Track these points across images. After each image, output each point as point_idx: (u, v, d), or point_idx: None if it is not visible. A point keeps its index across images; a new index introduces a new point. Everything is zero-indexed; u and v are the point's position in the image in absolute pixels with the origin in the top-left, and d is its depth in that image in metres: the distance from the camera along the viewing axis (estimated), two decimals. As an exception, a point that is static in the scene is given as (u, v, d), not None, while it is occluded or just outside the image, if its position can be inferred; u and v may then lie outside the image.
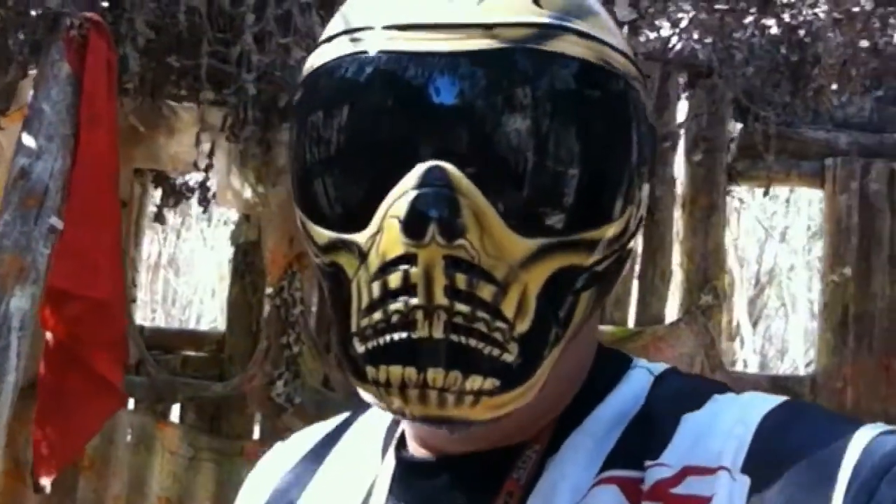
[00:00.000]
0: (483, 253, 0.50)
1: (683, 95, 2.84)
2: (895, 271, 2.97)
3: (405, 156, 0.51)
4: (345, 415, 0.71)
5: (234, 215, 3.75)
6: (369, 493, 0.61)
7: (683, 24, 2.24)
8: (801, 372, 7.33)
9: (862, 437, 0.49)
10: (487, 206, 0.50)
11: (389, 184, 0.51)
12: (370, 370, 0.52)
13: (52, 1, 2.02)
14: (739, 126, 2.86)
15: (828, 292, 3.04)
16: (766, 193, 3.04)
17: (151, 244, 7.27)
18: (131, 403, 3.19)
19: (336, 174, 0.55)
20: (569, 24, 0.53)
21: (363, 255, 0.52)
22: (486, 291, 0.50)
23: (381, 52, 0.53)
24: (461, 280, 0.50)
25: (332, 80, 0.55)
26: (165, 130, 2.94)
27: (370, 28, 0.54)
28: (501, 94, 0.52)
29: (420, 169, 0.50)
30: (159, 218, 3.36)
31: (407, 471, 0.60)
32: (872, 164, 2.95)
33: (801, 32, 2.31)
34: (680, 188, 3.02)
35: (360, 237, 0.52)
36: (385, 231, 0.51)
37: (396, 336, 0.51)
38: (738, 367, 6.70)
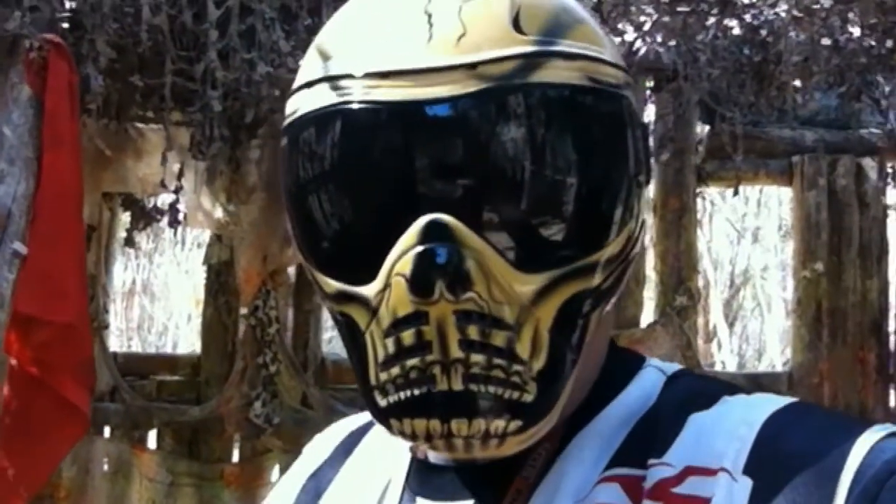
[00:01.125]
0: (492, 301, 0.51)
1: (650, 100, 2.86)
2: (866, 265, 3.01)
3: (404, 208, 0.51)
4: None
5: (207, 238, 3.72)
6: (387, 487, 0.62)
7: (646, 27, 2.26)
8: (779, 369, 7.39)
9: (864, 443, 0.49)
10: (492, 253, 0.51)
11: (392, 236, 0.51)
12: (394, 423, 0.53)
13: (11, 23, 1.99)
14: (706, 128, 2.89)
15: (800, 289, 3.06)
16: (735, 193, 3.06)
17: (125, 271, 7.20)
18: (107, 431, 3.14)
19: (337, 228, 0.55)
20: (553, 48, 0.52)
21: (373, 310, 0.53)
22: (499, 338, 0.51)
23: (365, 102, 0.52)
24: (474, 331, 0.51)
25: (320, 133, 0.54)
26: (133, 153, 2.91)
27: (351, 76, 0.53)
28: (493, 136, 0.51)
29: (420, 223, 0.50)
30: (129, 242, 3.32)
31: (421, 469, 0.61)
32: (839, 160, 2.99)
33: (763, 32, 2.34)
34: (650, 191, 3.04)
35: (368, 291, 0.53)
36: (393, 288, 0.51)
37: (416, 391, 0.52)
38: (718, 368, 6.75)
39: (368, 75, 0.52)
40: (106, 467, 3.05)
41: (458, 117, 0.51)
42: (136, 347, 7.69)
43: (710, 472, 0.51)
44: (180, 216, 3.06)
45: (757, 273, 7.88)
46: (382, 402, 0.53)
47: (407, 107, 0.51)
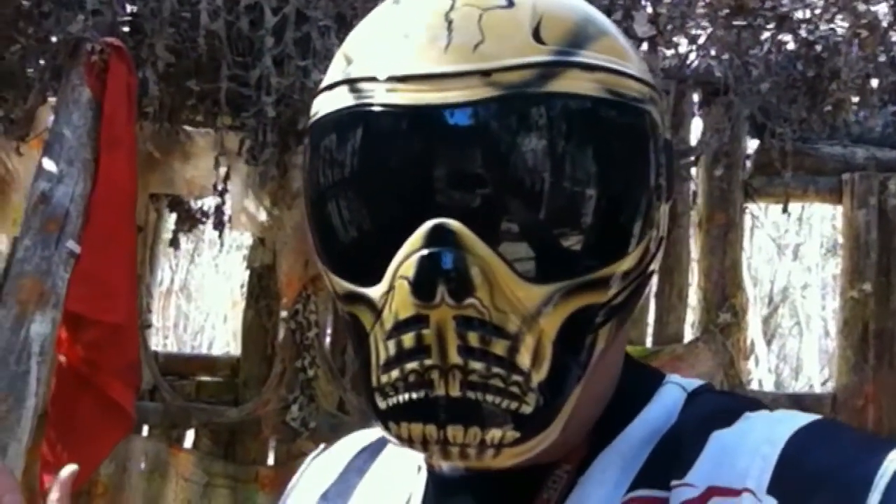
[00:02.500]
0: (493, 308, 0.50)
1: (698, 113, 2.84)
2: (915, 287, 2.95)
3: (412, 211, 0.51)
4: None
5: (246, 241, 3.75)
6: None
7: (701, 40, 2.24)
8: (818, 389, 7.28)
9: (892, 462, 0.48)
10: (496, 261, 0.50)
11: (399, 239, 0.51)
12: (393, 426, 0.53)
13: (74, 26, 2.03)
14: (756, 142, 2.85)
15: (847, 309, 3.01)
16: (784, 210, 3.02)
17: (164, 270, 7.28)
18: (145, 430, 3.17)
19: (347, 229, 0.55)
20: (572, 59, 0.52)
21: (377, 312, 0.53)
22: (499, 347, 0.50)
23: (382, 105, 0.52)
24: (473, 338, 0.50)
25: (336, 134, 0.54)
26: (181, 155, 2.95)
27: (371, 79, 0.53)
28: (504, 144, 0.51)
29: (426, 227, 0.50)
30: (175, 243, 3.36)
31: (438, 487, 0.60)
32: (890, 179, 2.94)
33: (818, 48, 2.31)
34: (696, 206, 3.01)
35: (374, 293, 0.53)
36: (396, 291, 0.51)
37: (414, 395, 0.51)
38: (754, 386, 6.66)
39: (386, 79, 0.52)
40: (143, 465, 3.07)
41: (468, 123, 0.51)
42: (172, 346, 7.78)
43: (733, 493, 0.50)
44: (225, 219, 3.09)
45: (797, 290, 7.76)
46: (382, 405, 0.53)
47: (419, 111, 0.51)
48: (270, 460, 3.20)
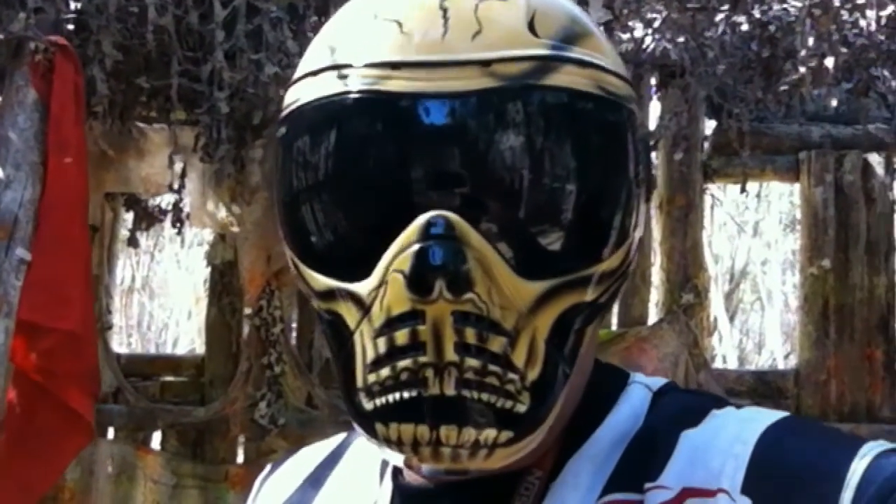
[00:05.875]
0: (491, 304, 0.49)
1: (656, 96, 2.84)
2: (873, 262, 3.00)
3: (406, 204, 0.49)
4: (341, 436, 0.70)
5: (207, 236, 3.70)
6: None
7: (656, 24, 2.24)
8: (780, 364, 7.41)
9: (863, 460, 0.49)
10: (494, 256, 0.49)
11: (390, 232, 0.49)
12: (380, 427, 0.51)
13: (15, 25, 1.96)
14: (713, 124, 2.87)
15: (807, 285, 3.05)
16: (742, 190, 3.05)
17: (125, 268, 7.17)
18: (111, 432, 3.13)
19: (332, 221, 0.53)
20: (567, 54, 0.52)
21: (365, 308, 0.51)
22: (496, 344, 0.49)
23: (375, 92, 0.51)
24: (471, 335, 0.49)
25: (324, 121, 0.52)
26: (135, 153, 2.89)
27: (362, 65, 0.51)
28: (504, 135, 0.50)
29: (423, 219, 0.48)
30: (133, 242, 3.30)
31: (406, 498, 0.59)
32: (846, 156, 2.98)
33: (772, 28, 2.32)
34: (656, 189, 3.03)
35: (361, 288, 0.51)
36: (389, 285, 0.49)
37: (406, 394, 0.49)
38: (718, 363, 6.76)
39: (378, 65, 0.51)
40: (110, 469, 3.03)
41: (467, 113, 0.50)
42: (136, 345, 7.68)
43: (708, 494, 0.51)
44: (184, 216, 3.04)
45: (757, 266, 7.88)
46: (368, 405, 0.51)
47: (417, 99, 0.50)
48: (240, 459, 3.18)
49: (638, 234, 0.56)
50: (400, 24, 0.51)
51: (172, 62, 2.11)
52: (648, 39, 2.25)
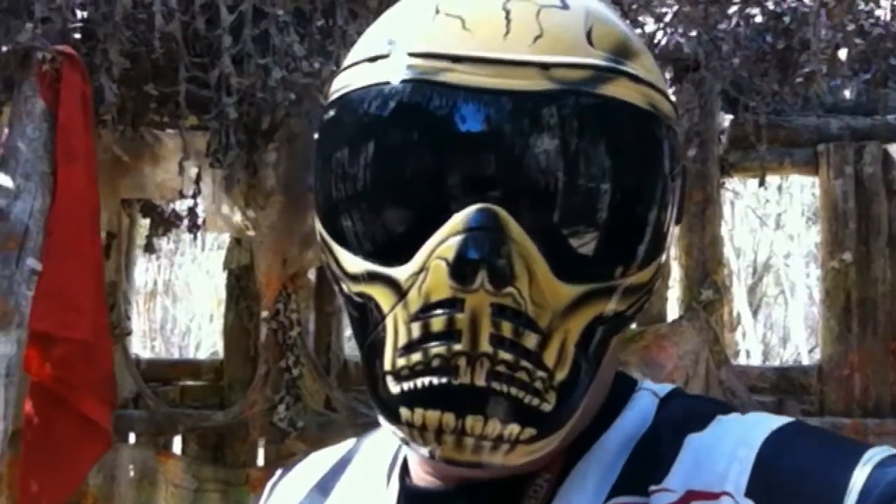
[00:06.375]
0: (529, 301, 0.50)
1: (671, 90, 2.81)
2: (895, 254, 2.94)
3: (454, 194, 0.50)
4: (350, 442, 0.70)
5: (226, 239, 3.71)
6: None
7: (667, 18, 2.21)
8: (805, 357, 7.32)
9: (866, 466, 0.49)
10: (537, 254, 0.50)
11: (435, 221, 0.50)
12: (404, 412, 0.51)
13: (23, 35, 1.97)
14: (729, 118, 2.83)
15: (828, 279, 3.00)
16: (761, 184, 3.01)
17: (147, 272, 7.23)
18: (132, 437, 3.15)
19: (377, 207, 0.53)
20: (622, 68, 0.53)
21: (402, 293, 0.51)
22: (530, 340, 0.50)
23: (434, 83, 0.51)
24: (507, 328, 0.50)
25: (379, 107, 0.53)
26: (150, 159, 2.90)
27: (422, 55, 0.52)
28: (557, 137, 0.51)
29: (470, 210, 0.49)
30: (150, 248, 3.32)
31: (410, 499, 0.59)
32: (865, 148, 2.92)
33: (787, 19, 2.28)
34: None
35: (400, 273, 0.51)
36: (430, 272, 0.50)
37: (436, 380, 0.50)
38: (742, 358, 6.68)
39: (440, 56, 0.52)
40: (132, 474, 3.05)
41: (523, 111, 0.51)
42: (160, 349, 7.74)
43: (712, 496, 0.51)
44: (199, 221, 3.05)
45: (780, 260, 7.79)
46: (395, 389, 0.51)
47: (475, 93, 0.51)
48: (260, 462, 3.19)
49: (665, 255, 0.57)
50: (463, 21, 0.52)
51: (180, 68, 2.11)
52: (660, 34, 2.22)
